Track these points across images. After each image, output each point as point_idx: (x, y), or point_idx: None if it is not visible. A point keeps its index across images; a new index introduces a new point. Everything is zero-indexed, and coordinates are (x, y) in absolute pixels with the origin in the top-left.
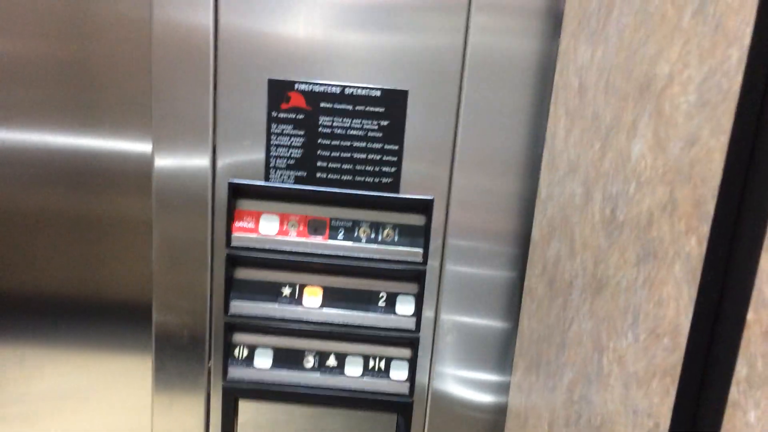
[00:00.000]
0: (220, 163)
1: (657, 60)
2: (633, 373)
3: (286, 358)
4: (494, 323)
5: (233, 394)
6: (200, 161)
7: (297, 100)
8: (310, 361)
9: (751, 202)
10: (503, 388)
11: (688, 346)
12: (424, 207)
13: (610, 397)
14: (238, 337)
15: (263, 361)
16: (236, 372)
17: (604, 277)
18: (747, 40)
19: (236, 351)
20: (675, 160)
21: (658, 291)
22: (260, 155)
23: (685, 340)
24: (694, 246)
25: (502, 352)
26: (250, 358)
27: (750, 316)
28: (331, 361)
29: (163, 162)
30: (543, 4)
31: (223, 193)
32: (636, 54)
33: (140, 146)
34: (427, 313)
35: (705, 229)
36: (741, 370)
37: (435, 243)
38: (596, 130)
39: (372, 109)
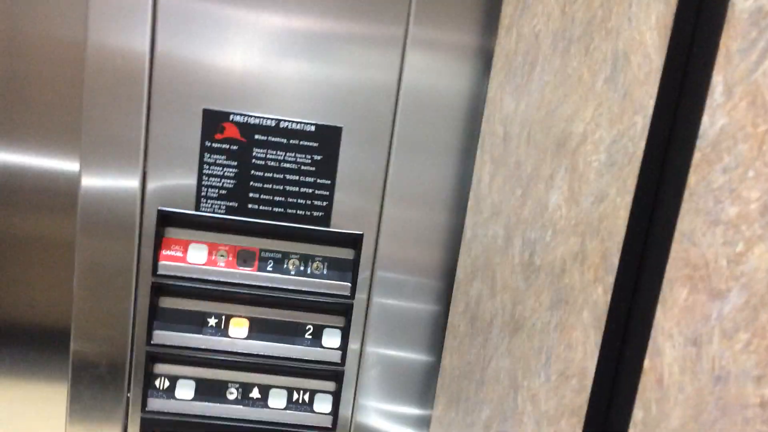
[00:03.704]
0: (150, 188)
1: (573, 119)
2: (544, 412)
3: (208, 390)
4: (418, 357)
5: (152, 426)
6: (129, 185)
7: (231, 131)
8: (233, 393)
9: (651, 258)
10: (425, 422)
11: (592, 389)
12: (354, 242)
13: None
14: (160, 367)
15: (185, 392)
16: (156, 403)
17: (521, 318)
18: (650, 111)
19: (157, 382)
20: (586, 213)
21: (568, 335)
22: (192, 183)
23: (590, 383)
24: (600, 295)
25: (425, 386)
26: (171, 390)
27: (646, 363)
28: (255, 393)
29: (91, 183)
30: (477, 43)
31: (151, 219)
32: (555, 112)
33: (67, 165)
34: (353, 346)
35: (610, 279)
36: (638, 413)
37: (363, 275)
38: (518, 178)
39: (306, 143)
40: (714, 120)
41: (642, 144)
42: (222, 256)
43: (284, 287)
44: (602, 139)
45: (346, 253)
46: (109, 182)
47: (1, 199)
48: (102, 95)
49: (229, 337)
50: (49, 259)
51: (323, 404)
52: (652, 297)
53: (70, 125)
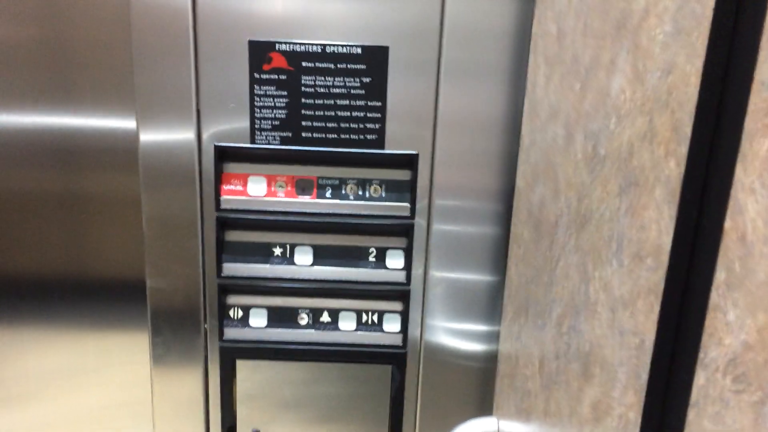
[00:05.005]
0: (205, 130)
1: None
2: (619, 297)
3: (280, 317)
4: (482, 276)
5: (231, 355)
6: (185, 129)
7: (279, 61)
8: (304, 318)
9: (727, 118)
10: (493, 337)
11: (669, 263)
12: (409, 162)
13: (597, 323)
14: (233, 298)
15: (258, 320)
16: (232, 332)
17: (587, 211)
18: None
19: (231, 312)
20: (653, 90)
21: (640, 216)
22: (245, 119)
23: (667, 258)
24: (673, 168)
25: (490, 303)
26: (245, 319)
27: (727, 224)
28: (325, 317)
29: (149, 135)
30: None
31: (209, 159)
32: None
33: (124, 122)
34: (417, 267)
35: (683, 150)
36: (720, 275)
37: (422, 201)
38: (576, 73)
39: (354, 66)
40: None
41: (711, 3)
42: (281, 186)
43: (344, 212)
44: (666, 8)
45: (402, 174)
46: (165, 129)
47: (65, 162)
48: (149, 44)
49: (296, 264)
50: (117, 213)
51: (392, 324)
52: (731, 156)
53: (123, 82)
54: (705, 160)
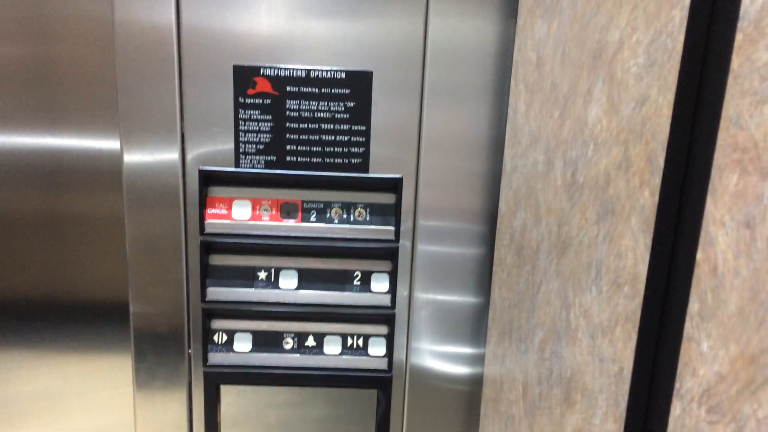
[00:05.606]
0: (189, 153)
1: (608, 28)
2: (598, 324)
3: (265, 341)
4: (467, 298)
5: (215, 380)
6: (169, 153)
7: (263, 85)
8: (289, 343)
9: (698, 151)
10: (478, 360)
11: (645, 292)
12: (394, 185)
13: (578, 350)
14: (217, 322)
15: (243, 345)
16: (216, 357)
17: (567, 237)
18: (687, 2)
19: (215, 336)
20: (628, 120)
21: (617, 244)
22: (229, 142)
23: (643, 287)
24: (648, 198)
25: (476, 326)
26: (229, 343)
27: (699, 255)
28: (310, 342)
29: (133, 157)
30: None
31: (193, 182)
32: (588, 25)
33: (108, 143)
34: (402, 290)
35: (657, 181)
36: (693, 305)
37: (406, 224)
38: (555, 101)
39: (338, 91)
40: None
41: (681, 38)
42: (266, 210)
43: (329, 236)
44: (639, 41)
45: (387, 198)
46: (150, 151)
47: (49, 183)
48: (133, 66)
49: (280, 288)
50: (100, 235)
51: (377, 348)
52: (702, 189)
53: (107, 103)
54: (678, 191)
